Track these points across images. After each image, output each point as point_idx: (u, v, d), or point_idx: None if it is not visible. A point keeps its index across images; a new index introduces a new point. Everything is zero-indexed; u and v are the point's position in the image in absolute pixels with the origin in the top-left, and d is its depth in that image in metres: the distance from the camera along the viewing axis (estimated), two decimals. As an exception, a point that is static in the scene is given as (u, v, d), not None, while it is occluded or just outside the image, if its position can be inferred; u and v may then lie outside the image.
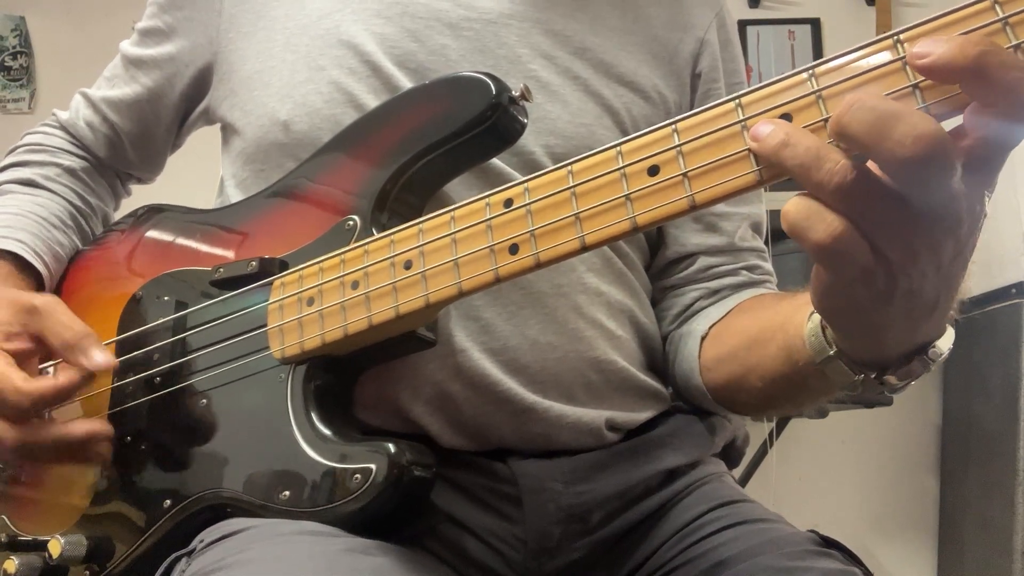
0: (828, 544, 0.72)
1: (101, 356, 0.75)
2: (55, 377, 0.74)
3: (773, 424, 2.21)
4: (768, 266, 0.91)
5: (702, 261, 0.88)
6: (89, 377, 0.75)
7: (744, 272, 0.89)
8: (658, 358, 0.89)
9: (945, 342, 0.56)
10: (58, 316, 0.76)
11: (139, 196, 1.03)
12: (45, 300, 0.78)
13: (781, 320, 0.67)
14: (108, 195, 1.02)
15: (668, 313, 0.89)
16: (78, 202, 0.96)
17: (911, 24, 0.48)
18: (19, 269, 0.85)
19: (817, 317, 0.60)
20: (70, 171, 0.96)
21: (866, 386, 0.58)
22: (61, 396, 0.74)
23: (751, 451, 2.27)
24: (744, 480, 2.24)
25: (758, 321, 0.75)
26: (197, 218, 0.85)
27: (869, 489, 2.61)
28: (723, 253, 0.89)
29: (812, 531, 0.74)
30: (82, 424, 0.76)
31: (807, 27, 2.87)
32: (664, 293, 0.90)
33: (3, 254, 0.85)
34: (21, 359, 0.76)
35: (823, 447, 2.60)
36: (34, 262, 0.86)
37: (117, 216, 1.02)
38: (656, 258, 0.90)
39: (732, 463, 0.94)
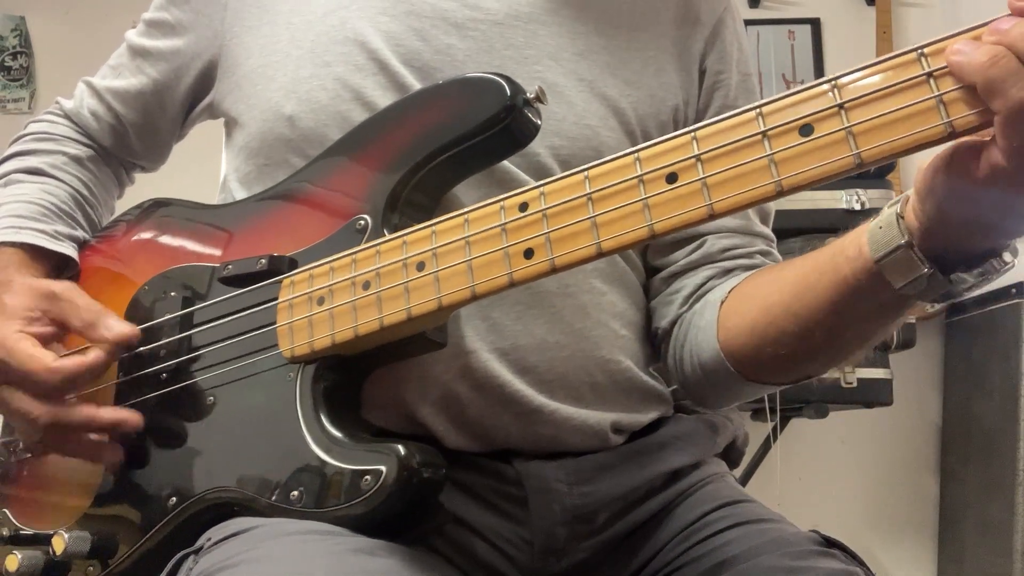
0: (830, 544, 0.72)
1: (122, 326, 0.77)
2: (84, 355, 0.76)
3: (776, 423, 2.21)
4: (778, 255, 0.89)
5: (714, 242, 0.85)
6: (117, 352, 0.77)
7: (759, 256, 0.86)
8: (655, 358, 0.88)
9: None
10: (76, 299, 0.79)
11: (142, 190, 1.03)
12: (63, 285, 0.81)
13: (825, 251, 0.66)
14: (113, 184, 1.02)
15: (677, 296, 0.85)
16: (84, 191, 0.95)
17: (934, 39, 0.49)
18: (32, 258, 0.85)
19: (892, 210, 0.59)
20: (76, 159, 0.96)
21: (931, 285, 0.57)
22: (91, 373, 0.76)
23: (752, 451, 2.27)
24: (745, 480, 2.25)
25: (793, 266, 0.72)
26: (204, 214, 0.85)
27: (869, 489, 2.62)
28: (736, 234, 0.86)
29: (814, 531, 0.75)
30: (110, 410, 0.77)
31: (807, 27, 2.86)
32: (671, 280, 0.86)
33: (19, 245, 0.85)
34: (44, 343, 0.78)
35: (823, 447, 2.60)
36: (58, 248, 0.86)
37: (120, 205, 1.02)
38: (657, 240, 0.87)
39: (732, 463, 0.94)
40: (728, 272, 0.84)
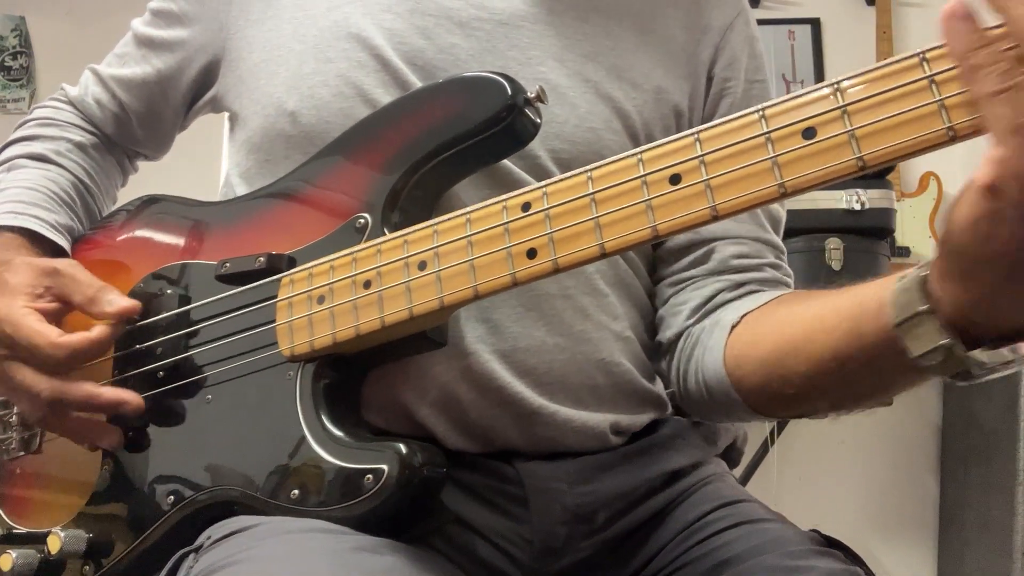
0: (830, 544, 0.72)
1: (124, 301, 0.77)
2: (88, 331, 0.76)
3: (774, 424, 2.21)
4: (788, 268, 0.87)
5: (722, 251, 0.83)
6: (119, 328, 0.77)
7: (769, 269, 0.84)
8: (653, 364, 0.87)
9: None
10: (78, 275, 0.79)
11: (147, 183, 1.03)
12: (65, 262, 0.81)
13: (848, 296, 0.62)
14: (116, 171, 1.02)
15: (684, 307, 0.83)
16: (86, 179, 0.96)
17: (932, 46, 0.48)
18: (32, 243, 0.85)
19: (918, 273, 0.54)
20: (80, 146, 0.96)
21: (948, 361, 0.52)
22: (96, 348, 0.76)
23: (752, 450, 2.27)
24: (745, 479, 2.25)
25: (813, 302, 0.69)
26: (201, 210, 0.84)
27: (869, 489, 2.62)
28: (745, 240, 0.84)
29: (814, 531, 0.74)
30: (112, 389, 0.77)
31: (807, 27, 2.86)
32: (678, 287, 0.85)
33: (18, 229, 0.85)
34: (49, 319, 0.78)
35: (823, 447, 2.60)
36: (54, 237, 0.87)
37: (124, 194, 1.02)
38: (665, 244, 0.86)
39: (732, 463, 0.94)
40: (740, 286, 0.82)
